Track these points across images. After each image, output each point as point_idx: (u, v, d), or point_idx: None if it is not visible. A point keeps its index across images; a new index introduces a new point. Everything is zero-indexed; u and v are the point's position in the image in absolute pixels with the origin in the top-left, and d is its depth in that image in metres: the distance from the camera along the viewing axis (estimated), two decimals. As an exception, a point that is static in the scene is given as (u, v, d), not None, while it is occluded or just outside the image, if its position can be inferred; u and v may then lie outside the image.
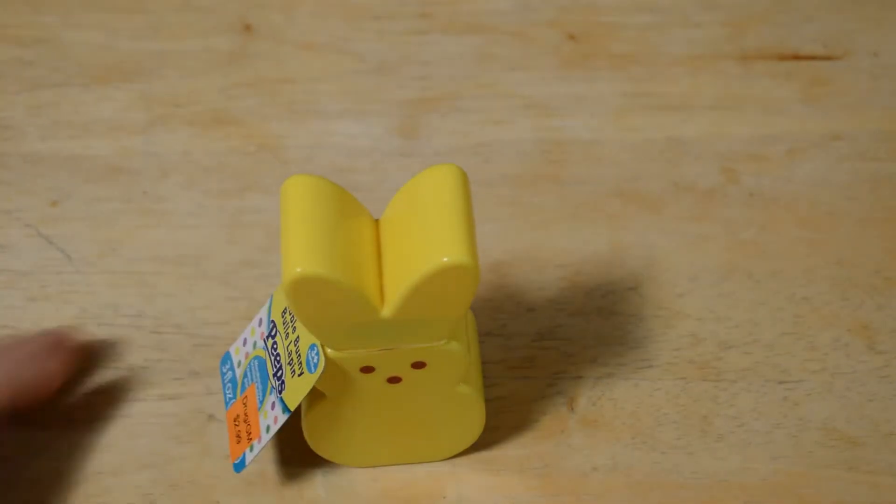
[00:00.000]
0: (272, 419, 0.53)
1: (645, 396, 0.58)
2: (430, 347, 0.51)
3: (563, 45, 0.68)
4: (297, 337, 0.52)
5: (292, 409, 0.52)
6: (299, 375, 0.52)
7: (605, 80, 0.67)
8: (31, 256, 0.62)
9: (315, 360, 0.51)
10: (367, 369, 0.52)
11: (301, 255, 0.48)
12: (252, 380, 0.55)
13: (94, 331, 0.60)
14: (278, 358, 0.53)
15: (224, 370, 0.56)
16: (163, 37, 0.69)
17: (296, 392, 0.52)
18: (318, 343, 0.51)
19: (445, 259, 0.48)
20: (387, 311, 0.49)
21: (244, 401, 0.55)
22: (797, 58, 0.67)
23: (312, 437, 0.55)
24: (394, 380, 0.52)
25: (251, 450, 0.54)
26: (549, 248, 0.62)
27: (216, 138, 0.65)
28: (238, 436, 0.54)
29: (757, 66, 0.67)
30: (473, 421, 0.55)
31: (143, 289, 0.61)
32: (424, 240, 0.48)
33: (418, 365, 0.52)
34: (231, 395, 0.55)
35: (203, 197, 0.64)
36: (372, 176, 0.64)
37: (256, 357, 0.55)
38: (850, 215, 0.63)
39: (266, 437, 0.53)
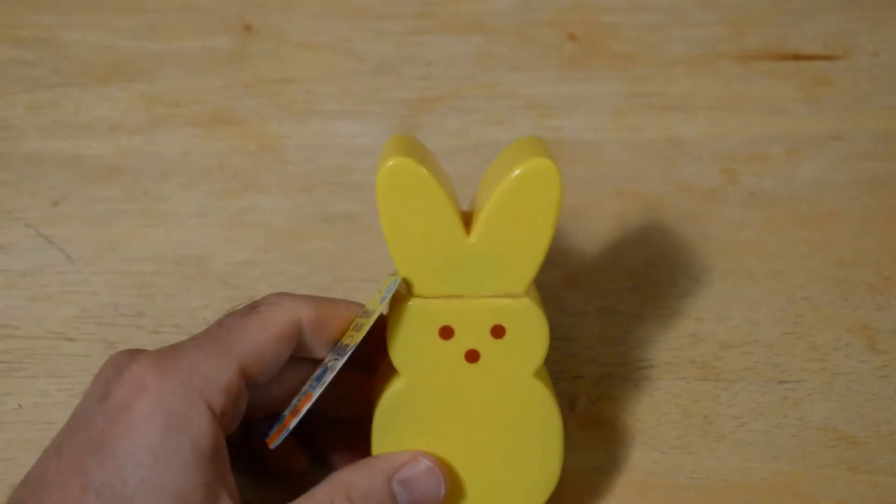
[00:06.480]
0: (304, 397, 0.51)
1: (645, 396, 0.58)
2: (510, 306, 0.51)
3: (563, 45, 0.68)
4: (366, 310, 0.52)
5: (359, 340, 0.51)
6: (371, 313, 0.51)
7: (605, 80, 0.67)
8: (32, 256, 0.62)
9: (393, 287, 0.51)
10: (447, 332, 0.51)
11: (395, 154, 0.50)
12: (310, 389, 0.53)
13: (93, 331, 0.60)
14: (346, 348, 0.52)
15: None
16: (163, 37, 0.69)
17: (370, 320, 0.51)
18: (401, 278, 0.51)
19: (529, 163, 0.49)
20: (473, 235, 0.50)
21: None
22: (797, 58, 0.67)
23: (381, 427, 0.53)
24: (472, 356, 0.52)
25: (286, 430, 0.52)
26: (549, 248, 0.62)
27: (216, 138, 0.65)
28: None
29: (757, 66, 0.67)
30: (549, 442, 0.52)
31: (143, 289, 0.61)
32: (506, 168, 0.50)
33: (498, 331, 0.51)
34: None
35: (203, 197, 0.64)
36: (372, 176, 0.64)
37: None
38: (850, 215, 0.63)
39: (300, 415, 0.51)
